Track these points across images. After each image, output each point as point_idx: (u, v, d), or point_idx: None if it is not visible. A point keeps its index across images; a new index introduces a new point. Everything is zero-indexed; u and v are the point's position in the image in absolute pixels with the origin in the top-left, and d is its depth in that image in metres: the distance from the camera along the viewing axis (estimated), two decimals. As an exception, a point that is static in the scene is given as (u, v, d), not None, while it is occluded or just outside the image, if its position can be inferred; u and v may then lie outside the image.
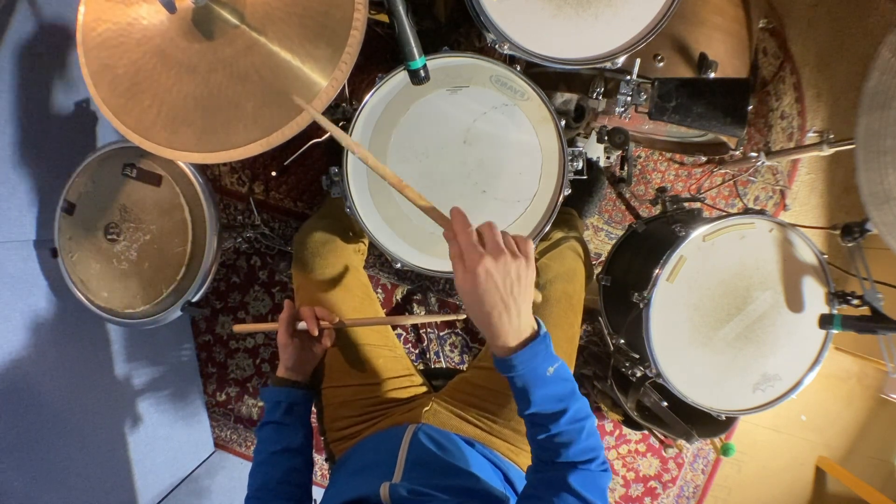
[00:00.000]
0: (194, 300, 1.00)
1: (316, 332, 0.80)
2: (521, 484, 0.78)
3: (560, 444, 0.59)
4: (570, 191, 0.86)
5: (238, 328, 0.85)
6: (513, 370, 0.57)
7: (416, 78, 0.72)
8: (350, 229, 1.03)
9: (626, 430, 1.59)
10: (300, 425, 0.81)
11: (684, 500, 1.64)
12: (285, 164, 1.47)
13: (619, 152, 1.29)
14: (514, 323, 0.56)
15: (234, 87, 0.70)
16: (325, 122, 0.63)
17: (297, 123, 0.69)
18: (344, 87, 0.74)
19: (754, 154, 1.33)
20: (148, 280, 0.98)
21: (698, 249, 0.92)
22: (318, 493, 0.76)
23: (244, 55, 0.69)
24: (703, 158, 1.47)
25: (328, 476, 0.84)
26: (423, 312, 1.56)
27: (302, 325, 0.80)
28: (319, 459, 1.57)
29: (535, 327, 0.59)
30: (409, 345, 1.59)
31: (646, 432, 1.58)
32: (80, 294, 1.02)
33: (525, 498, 0.61)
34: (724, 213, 0.97)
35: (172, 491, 1.40)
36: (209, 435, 1.63)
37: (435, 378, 1.01)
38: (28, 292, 1.04)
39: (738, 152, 1.43)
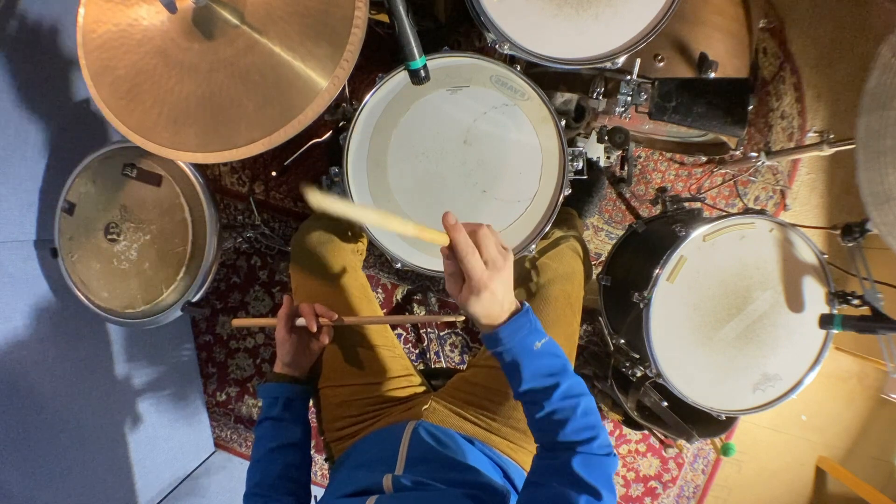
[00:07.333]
0: (194, 300, 1.00)
1: (314, 329, 0.79)
2: (520, 481, 0.78)
3: (556, 423, 0.59)
4: (570, 191, 0.86)
5: (237, 322, 0.85)
6: (500, 344, 0.59)
7: (417, 78, 0.72)
8: (348, 229, 1.03)
9: (626, 430, 1.59)
10: (298, 421, 0.81)
11: (684, 500, 1.64)
12: (285, 164, 1.47)
13: (620, 152, 1.29)
14: (501, 306, 0.59)
15: (235, 87, 0.70)
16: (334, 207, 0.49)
17: (298, 122, 0.69)
18: (344, 87, 0.74)
19: (754, 154, 1.33)
20: (148, 280, 0.98)
21: (698, 249, 0.92)
22: (318, 493, 0.76)
23: (245, 55, 0.69)
24: (704, 158, 1.47)
25: (328, 476, 0.84)
26: (423, 312, 1.56)
27: (301, 321, 0.80)
28: (319, 459, 1.57)
29: (519, 305, 0.62)
30: (409, 345, 1.59)
31: (646, 432, 1.58)
32: (80, 294, 1.01)
33: (529, 485, 0.62)
34: (725, 213, 0.97)
35: (172, 491, 1.40)
36: (209, 435, 1.63)
37: (435, 378, 1.01)
38: (28, 292, 1.04)
39: (738, 152, 1.42)
